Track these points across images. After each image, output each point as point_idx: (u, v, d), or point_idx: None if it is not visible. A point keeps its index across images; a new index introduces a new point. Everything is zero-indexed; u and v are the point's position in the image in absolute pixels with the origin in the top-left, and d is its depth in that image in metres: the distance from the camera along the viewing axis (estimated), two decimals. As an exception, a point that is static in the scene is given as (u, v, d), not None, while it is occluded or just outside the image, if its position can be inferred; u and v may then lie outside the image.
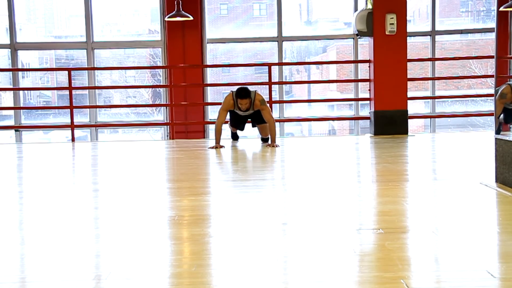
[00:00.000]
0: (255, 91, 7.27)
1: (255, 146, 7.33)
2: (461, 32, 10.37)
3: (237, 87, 7.34)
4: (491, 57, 9.44)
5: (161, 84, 9.98)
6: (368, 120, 9.02)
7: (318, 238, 2.85)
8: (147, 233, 3.07)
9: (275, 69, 9.55)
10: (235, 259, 2.56)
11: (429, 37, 9.76)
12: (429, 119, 9.95)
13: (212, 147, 7.09)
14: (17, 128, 9.58)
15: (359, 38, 9.21)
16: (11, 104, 10.05)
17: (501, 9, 8.02)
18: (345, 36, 10.08)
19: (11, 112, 9.86)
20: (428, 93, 9.86)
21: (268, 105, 7.33)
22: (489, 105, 10.67)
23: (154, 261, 2.55)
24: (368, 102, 9.13)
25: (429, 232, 2.92)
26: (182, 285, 2.27)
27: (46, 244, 2.89)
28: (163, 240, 2.95)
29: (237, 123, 7.64)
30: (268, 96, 8.94)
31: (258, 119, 7.43)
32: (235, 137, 8.10)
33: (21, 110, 9.77)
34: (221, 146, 7.12)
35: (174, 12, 8.67)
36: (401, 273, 2.30)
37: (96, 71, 9.80)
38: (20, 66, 10.08)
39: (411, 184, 4.50)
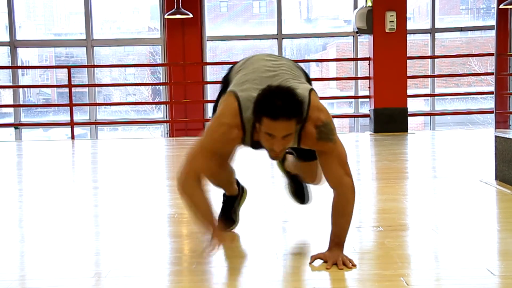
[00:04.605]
0: (308, 97, 2.40)
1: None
2: (461, 29, 10.35)
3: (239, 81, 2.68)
4: (491, 54, 9.42)
5: (161, 81, 9.96)
6: (368, 118, 9.02)
7: (318, 235, 2.84)
8: (147, 231, 3.07)
9: (275, 66, 9.54)
10: (235, 256, 2.56)
11: (429, 34, 9.75)
12: (429, 116, 9.94)
13: (212, 246, 2.41)
14: (17, 125, 9.56)
15: (359, 35, 9.20)
16: (10, 101, 10.03)
17: (501, 6, 8.01)
18: (345, 33, 10.06)
19: (11, 109, 9.84)
20: (428, 91, 9.85)
21: (339, 139, 2.55)
22: (489, 103, 10.66)
23: (153, 259, 2.55)
24: (368, 99, 9.12)
25: (429, 230, 2.92)
26: (182, 282, 2.27)
27: (46, 242, 2.89)
28: (162, 238, 2.95)
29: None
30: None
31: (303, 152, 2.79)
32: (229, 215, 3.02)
33: (21, 108, 9.76)
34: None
35: (173, 9, 8.66)
36: (401, 271, 2.30)
37: (95, 68, 9.78)
38: (19, 64, 10.07)
39: (411, 182, 4.50)
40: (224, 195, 3.01)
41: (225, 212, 2.99)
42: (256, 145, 2.49)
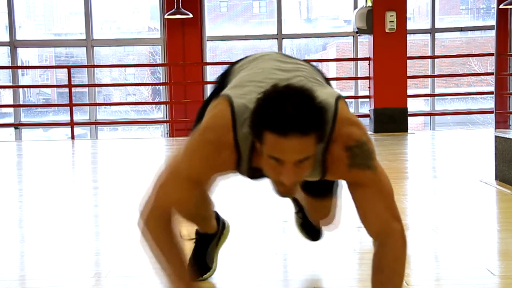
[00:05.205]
0: (335, 105, 1.63)
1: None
2: (461, 29, 10.35)
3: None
4: (491, 54, 9.42)
5: (161, 81, 9.96)
6: (368, 118, 9.02)
7: (318, 236, 2.84)
8: (147, 231, 3.06)
9: (275, 66, 9.54)
10: (235, 256, 2.56)
11: (429, 34, 9.75)
12: (429, 116, 9.94)
13: None
14: (17, 126, 9.56)
15: (359, 35, 9.20)
16: (10, 101, 10.02)
17: (501, 6, 8.00)
18: (345, 33, 10.06)
19: (11, 109, 9.84)
20: (428, 91, 9.85)
21: (380, 165, 1.78)
22: (489, 103, 10.65)
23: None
24: (368, 99, 9.12)
25: (429, 230, 2.92)
26: (182, 283, 2.26)
27: (46, 242, 2.89)
28: (163, 238, 2.94)
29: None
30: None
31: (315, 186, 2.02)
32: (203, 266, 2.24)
33: (21, 108, 9.75)
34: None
35: (173, 9, 8.66)
36: (401, 271, 2.29)
37: (95, 68, 9.78)
38: (19, 64, 10.07)
39: (411, 182, 4.50)
40: (197, 232, 2.21)
41: (197, 255, 2.21)
42: (254, 173, 1.72)
